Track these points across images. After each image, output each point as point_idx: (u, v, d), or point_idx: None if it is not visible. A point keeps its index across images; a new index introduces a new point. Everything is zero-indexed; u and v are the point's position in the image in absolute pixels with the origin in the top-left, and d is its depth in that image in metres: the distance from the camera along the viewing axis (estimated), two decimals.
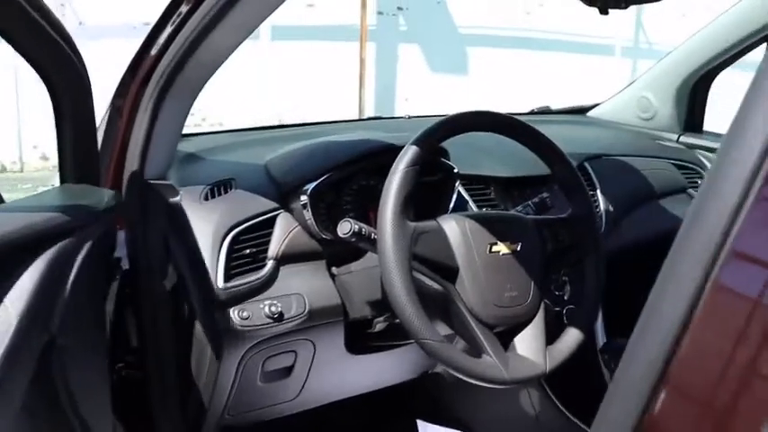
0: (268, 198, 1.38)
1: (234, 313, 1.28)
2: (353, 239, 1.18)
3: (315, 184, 1.35)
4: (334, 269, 1.41)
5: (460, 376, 1.14)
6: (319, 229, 1.36)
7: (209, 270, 1.29)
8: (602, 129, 2.30)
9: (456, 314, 1.19)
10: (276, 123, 1.88)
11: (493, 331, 1.20)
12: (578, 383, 1.56)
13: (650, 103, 2.27)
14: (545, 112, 2.43)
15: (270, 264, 1.34)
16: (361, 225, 1.17)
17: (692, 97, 2.22)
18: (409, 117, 2.09)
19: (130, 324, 1.42)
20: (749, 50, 2.05)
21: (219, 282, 1.28)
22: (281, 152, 1.49)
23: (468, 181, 1.59)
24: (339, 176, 1.39)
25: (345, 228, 1.17)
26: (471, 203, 1.58)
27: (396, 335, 1.41)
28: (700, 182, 2.13)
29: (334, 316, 1.38)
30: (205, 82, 1.27)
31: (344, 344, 1.43)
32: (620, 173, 1.92)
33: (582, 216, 1.33)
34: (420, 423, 1.84)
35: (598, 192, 1.82)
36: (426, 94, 7.53)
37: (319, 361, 1.42)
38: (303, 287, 1.35)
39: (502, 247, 1.23)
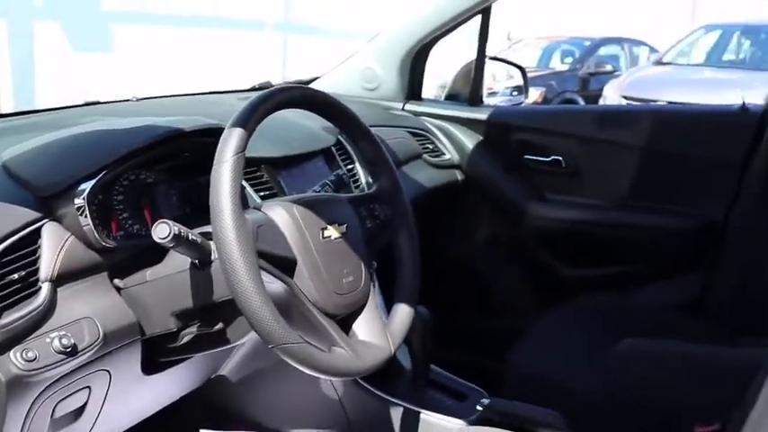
0: (23, 206, 1.10)
1: (16, 357, 1.00)
2: (172, 244, 0.99)
3: (92, 183, 1.11)
4: (117, 281, 1.18)
5: (319, 375, 1.04)
6: (100, 237, 1.12)
7: None
8: None
9: (299, 309, 1.07)
10: None
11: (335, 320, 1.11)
12: None
13: (375, 73, 2.30)
14: (265, 87, 2.34)
15: (45, 287, 1.06)
16: (179, 226, 0.99)
17: (413, 67, 2.30)
18: (137, 99, 1.85)
19: None
20: (464, 22, 2.18)
21: None
22: (23, 148, 1.20)
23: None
24: (116, 172, 1.16)
25: (163, 231, 0.97)
26: (249, 189, 1.44)
27: (206, 343, 1.22)
28: (431, 146, 2.22)
29: (130, 336, 1.15)
30: None
31: (141, 365, 1.22)
32: None
33: (391, 190, 1.28)
34: None
35: (357, 164, 1.79)
36: (70, 74, 6.92)
37: (114, 392, 1.19)
38: (90, 309, 1.11)
39: (333, 232, 1.13)
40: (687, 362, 1.39)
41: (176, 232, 0.97)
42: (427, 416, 1.49)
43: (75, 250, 1.11)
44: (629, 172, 2.09)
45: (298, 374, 1.60)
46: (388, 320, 1.20)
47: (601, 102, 7.43)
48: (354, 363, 1.07)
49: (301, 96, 1.15)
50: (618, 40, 9.92)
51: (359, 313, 1.16)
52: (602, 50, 9.59)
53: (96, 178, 1.11)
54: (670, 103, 6.25)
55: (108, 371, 1.15)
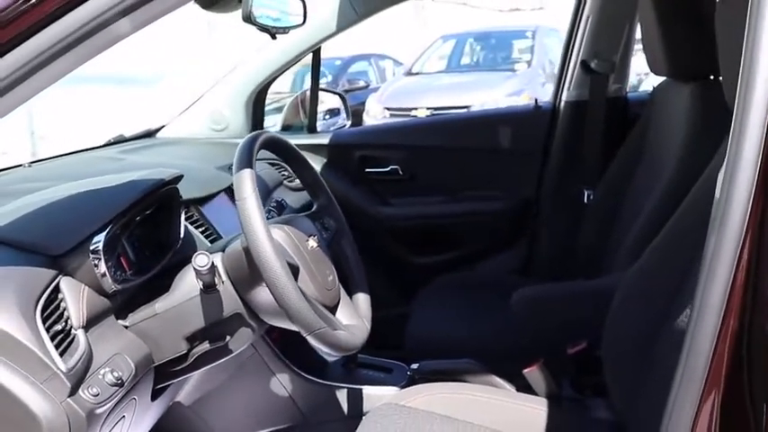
0: (39, 268, 1.22)
1: (85, 393, 1.16)
2: (206, 273, 1.22)
3: (104, 235, 1.29)
4: (122, 321, 1.36)
5: (337, 353, 1.30)
6: (113, 281, 1.30)
7: (40, 355, 1.12)
8: (181, 146, 2.48)
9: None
10: None
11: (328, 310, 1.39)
12: (309, 349, 1.77)
13: (223, 115, 2.54)
14: (119, 141, 2.48)
15: (81, 333, 1.23)
16: (212, 256, 1.23)
17: (256, 105, 2.57)
18: (29, 164, 1.95)
19: None
20: (298, 61, 2.50)
21: (60, 365, 1.13)
22: (12, 214, 1.32)
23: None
24: (120, 223, 1.34)
25: (203, 260, 1.21)
26: (189, 226, 1.65)
27: (211, 358, 1.42)
28: (287, 173, 2.51)
29: (148, 364, 1.34)
30: None
31: (151, 391, 1.40)
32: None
33: (329, 205, 1.57)
34: None
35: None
36: None
37: (135, 419, 1.36)
38: (116, 346, 1.28)
39: (312, 242, 1.40)
40: (556, 300, 1.82)
41: (213, 262, 1.21)
42: (367, 390, 1.80)
43: (92, 298, 1.28)
44: (456, 170, 2.54)
45: (246, 386, 1.84)
46: (355, 306, 1.50)
47: (364, 115, 8.04)
48: (354, 339, 1.36)
49: (271, 139, 1.42)
50: (365, 57, 10.69)
51: (339, 303, 1.45)
52: (352, 68, 10.29)
53: (106, 231, 1.29)
54: (429, 108, 6.99)
55: (135, 399, 1.33)
